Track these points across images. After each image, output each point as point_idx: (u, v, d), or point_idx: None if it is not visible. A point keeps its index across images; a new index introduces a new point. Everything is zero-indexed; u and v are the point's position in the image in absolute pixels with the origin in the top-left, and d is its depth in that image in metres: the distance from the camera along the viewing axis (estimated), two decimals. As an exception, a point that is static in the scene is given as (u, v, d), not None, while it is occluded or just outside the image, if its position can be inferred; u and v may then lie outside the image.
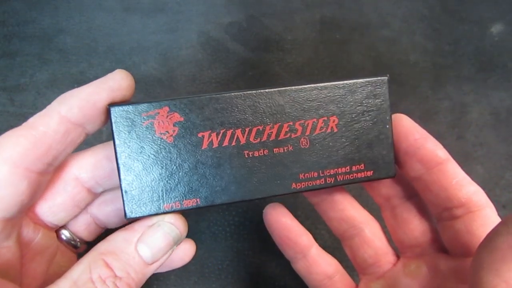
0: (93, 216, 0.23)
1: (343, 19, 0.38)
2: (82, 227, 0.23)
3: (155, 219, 0.19)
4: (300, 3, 0.38)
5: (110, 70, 0.35)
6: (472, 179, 0.21)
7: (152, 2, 0.36)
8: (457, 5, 0.40)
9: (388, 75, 0.20)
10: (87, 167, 0.21)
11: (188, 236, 0.22)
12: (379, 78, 0.20)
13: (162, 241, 0.19)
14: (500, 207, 0.35)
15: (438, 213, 0.21)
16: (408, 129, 0.21)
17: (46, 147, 0.18)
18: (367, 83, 0.20)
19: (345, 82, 0.20)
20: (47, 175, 0.19)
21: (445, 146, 0.21)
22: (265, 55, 0.36)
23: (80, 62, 0.33)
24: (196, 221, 0.30)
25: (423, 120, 0.35)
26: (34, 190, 0.18)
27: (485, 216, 0.20)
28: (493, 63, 0.38)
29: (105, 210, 0.23)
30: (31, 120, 0.18)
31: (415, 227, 0.23)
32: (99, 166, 0.21)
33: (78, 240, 0.23)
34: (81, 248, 0.23)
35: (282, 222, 0.24)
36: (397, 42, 0.38)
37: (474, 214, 0.20)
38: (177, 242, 0.19)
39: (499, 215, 0.21)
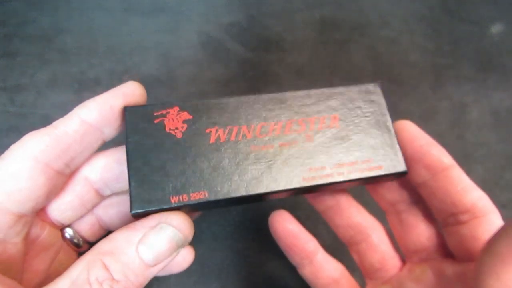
0: (98, 217, 0.23)
1: (343, 19, 0.38)
2: (86, 227, 0.23)
3: (157, 218, 0.18)
4: (300, 3, 0.38)
5: (110, 70, 0.35)
6: (472, 179, 0.21)
7: (152, 2, 0.36)
8: (457, 5, 0.40)
9: (378, 81, 0.22)
10: (97, 169, 0.21)
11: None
12: (369, 85, 0.22)
13: (164, 244, 0.18)
14: (500, 207, 0.34)
15: (444, 218, 0.22)
16: (413, 135, 0.21)
17: (66, 146, 0.19)
18: (359, 90, 0.22)
19: (338, 89, 0.22)
20: (63, 177, 0.20)
21: (445, 146, 0.21)
22: (265, 55, 0.36)
23: (80, 62, 0.33)
24: (196, 221, 0.30)
25: (423, 120, 0.35)
26: (50, 189, 0.19)
27: (490, 222, 0.20)
28: (493, 63, 0.38)
29: (110, 213, 0.23)
30: (54, 122, 0.19)
31: (421, 232, 0.23)
32: (109, 168, 0.21)
33: (81, 239, 0.23)
34: (83, 247, 0.23)
35: (289, 229, 0.24)
36: (397, 42, 0.38)
37: (479, 219, 0.20)
38: (181, 246, 0.19)
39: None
